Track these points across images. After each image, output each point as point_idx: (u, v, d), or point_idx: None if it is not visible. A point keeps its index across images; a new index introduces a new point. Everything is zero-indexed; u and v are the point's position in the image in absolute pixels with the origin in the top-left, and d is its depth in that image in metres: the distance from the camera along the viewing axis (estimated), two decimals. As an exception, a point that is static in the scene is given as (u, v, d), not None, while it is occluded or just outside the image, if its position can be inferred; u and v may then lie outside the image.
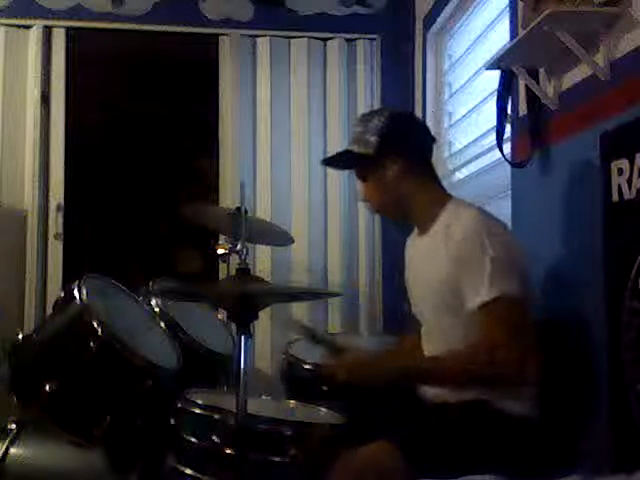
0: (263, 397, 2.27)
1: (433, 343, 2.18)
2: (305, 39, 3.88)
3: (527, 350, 1.92)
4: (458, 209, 2.11)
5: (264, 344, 3.62)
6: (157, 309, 2.62)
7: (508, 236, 2.09)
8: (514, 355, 1.90)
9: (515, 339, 1.92)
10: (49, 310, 2.80)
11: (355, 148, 2.19)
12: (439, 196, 2.18)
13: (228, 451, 1.84)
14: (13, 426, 2.23)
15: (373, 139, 2.15)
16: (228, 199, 3.74)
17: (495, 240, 2.00)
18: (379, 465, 1.81)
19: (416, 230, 2.26)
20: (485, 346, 1.93)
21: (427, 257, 2.16)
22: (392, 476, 1.80)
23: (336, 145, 3.83)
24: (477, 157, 3.08)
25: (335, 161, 2.43)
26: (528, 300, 2.00)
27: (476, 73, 3.10)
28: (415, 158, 2.19)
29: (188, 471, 1.89)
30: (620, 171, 1.82)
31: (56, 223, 3.74)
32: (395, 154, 2.15)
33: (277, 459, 1.86)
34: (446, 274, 2.04)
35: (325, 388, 2.34)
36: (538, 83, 2.33)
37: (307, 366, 2.49)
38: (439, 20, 3.48)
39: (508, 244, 2.04)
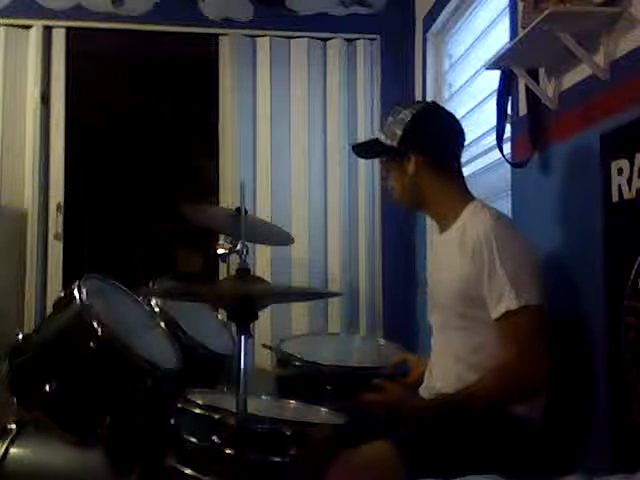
0: (263, 397, 2.27)
1: (440, 345, 2.18)
2: (305, 39, 3.88)
3: (549, 358, 1.93)
4: (476, 211, 2.10)
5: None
6: (157, 309, 2.61)
7: (526, 241, 2.07)
8: (544, 367, 1.92)
9: (543, 349, 1.93)
10: (49, 310, 2.80)
11: (382, 138, 2.21)
12: (461, 196, 2.17)
13: (228, 451, 1.84)
14: (13, 426, 2.23)
15: (398, 131, 2.16)
16: (228, 199, 3.74)
17: (517, 246, 2.00)
18: (379, 465, 1.81)
19: (438, 228, 2.26)
20: (517, 361, 1.93)
21: (443, 257, 2.16)
22: (392, 476, 1.80)
23: (336, 145, 3.84)
24: (477, 157, 3.08)
25: (363, 149, 2.43)
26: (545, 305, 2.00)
27: (476, 73, 3.10)
28: (438, 155, 2.18)
29: (188, 471, 1.89)
30: (620, 171, 1.82)
31: (56, 223, 3.74)
32: (416, 149, 2.15)
33: (277, 459, 1.86)
34: (459, 277, 2.04)
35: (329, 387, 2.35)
36: (538, 83, 2.33)
37: (297, 363, 2.49)
38: (439, 20, 3.48)
39: (529, 249, 2.04)
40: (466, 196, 2.18)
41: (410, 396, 2.12)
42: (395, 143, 2.16)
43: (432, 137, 2.19)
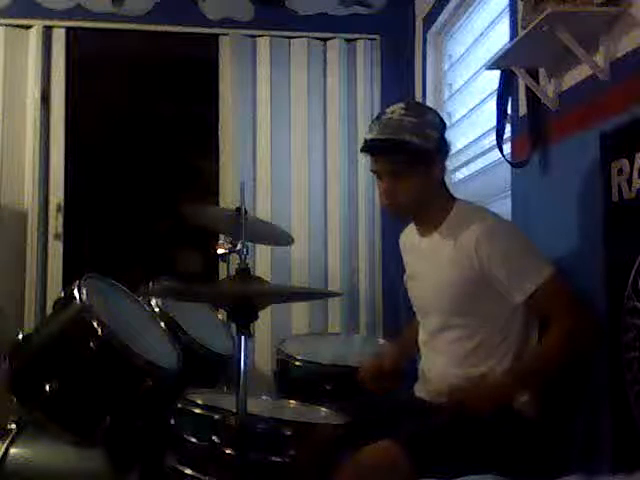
0: (263, 397, 2.27)
1: (443, 342, 2.15)
2: (305, 39, 3.88)
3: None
4: (467, 209, 2.14)
5: (264, 344, 3.62)
6: (157, 309, 2.62)
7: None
8: (591, 314, 1.96)
9: (580, 301, 1.98)
10: (49, 310, 2.80)
11: (414, 139, 2.04)
12: (449, 198, 2.18)
13: (228, 451, 1.84)
14: (13, 426, 2.23)
15: (435, 134, 2.09)
16: (228, 199, 3.74)
17: (516, 231, 2.09)
18: (386, 464, 1.80)
19: (415, 230, 2.25)
20: (573, 318, 1.95)
21: (435, 258, 2.13)
22: (399, 475, 1.79)
23: (336, 145, 3.84)
24: (477, 157, 3.08)
25: (379, 147, 2.12)
26: None
27: (476, 73, 3.10)
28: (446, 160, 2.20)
29: (188, 471, 1.89)
30: (620, 171, 1.82)
31: (56, 223, 3.74)
32: (444, 153, 2.15)
33: (277, 459, 1.86)
34: (459, 274, 2.05)
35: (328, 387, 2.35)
36: (538, 83, 2.33)
37: (298, 363, 2.49)
38: (439, 20, 3.48)
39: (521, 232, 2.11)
40: (452, 198, 2.19)
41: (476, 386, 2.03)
42: (432, 146, 2.07)
43: (448, 141, 2.18)
